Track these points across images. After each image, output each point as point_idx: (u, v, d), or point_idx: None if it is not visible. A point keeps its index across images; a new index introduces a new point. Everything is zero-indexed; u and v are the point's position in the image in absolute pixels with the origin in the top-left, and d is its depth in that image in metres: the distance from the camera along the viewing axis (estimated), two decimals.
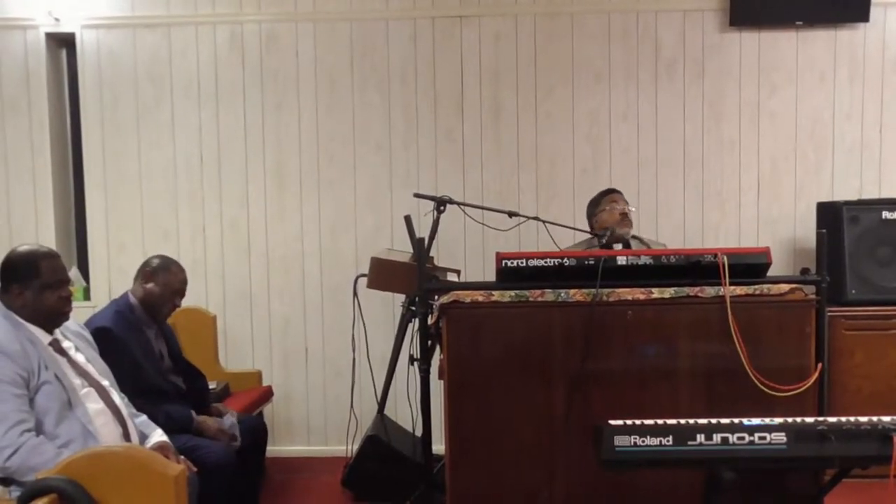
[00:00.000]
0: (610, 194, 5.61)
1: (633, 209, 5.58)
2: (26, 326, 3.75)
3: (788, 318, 3.83)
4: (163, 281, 4.83)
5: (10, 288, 3.76)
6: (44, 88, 6.52)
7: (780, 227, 6.45)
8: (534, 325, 3.84)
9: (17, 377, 3.59)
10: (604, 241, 5.23)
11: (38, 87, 6.51)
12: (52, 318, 3.85)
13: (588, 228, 5.58)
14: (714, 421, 3.35)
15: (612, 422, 3.32)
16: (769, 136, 6.43)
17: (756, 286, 3.84)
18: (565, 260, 3.86)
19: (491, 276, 4.08)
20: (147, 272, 4.83)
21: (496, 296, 3.85)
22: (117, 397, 3.96)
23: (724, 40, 6.40)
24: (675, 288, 3.82)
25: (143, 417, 4.13)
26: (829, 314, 5.03)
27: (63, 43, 6.73)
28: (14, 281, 3.75)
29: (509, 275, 3.87)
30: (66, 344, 3.90)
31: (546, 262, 3.85)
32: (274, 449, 6.25)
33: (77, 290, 6.52)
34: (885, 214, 5.78)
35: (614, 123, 6.45)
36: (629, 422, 3.32)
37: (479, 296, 3.86)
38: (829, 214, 5.90)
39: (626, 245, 5.36)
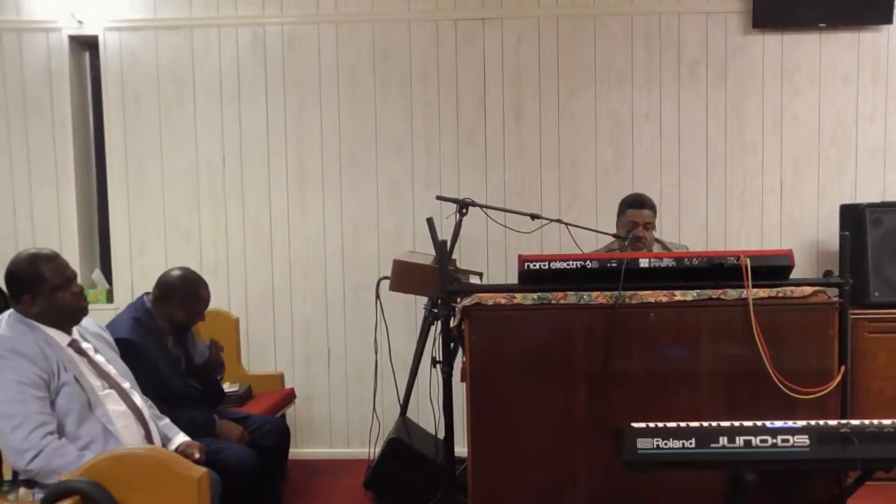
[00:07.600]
0: (632, 210, 5.43)
1: (653, 224, 5.47)
2: (42, 329, 3.77)
3: (811, 321, 3.81)
4: (188, 307, 4.79)
5: (21, 298, 3.77)
6: (67, 90, 6.55)
7: (803, 230, 6.42)
8: (556, 328, 3.83)
9: (38, 379, 3.61)
10: (627, 243, 5.21)
11: (60, 89, 6.55)
12: (71, 315, 3.88)
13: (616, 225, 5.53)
14: (737, 423, 3.35)
15: (634, 424, 3.32)
16: (792, 138, 6.40)
17: (779, 288, 3.82)
18: (588, 262, 3.85)
19: (513, 279, 4.06)
20: (170, 294, 4.75)
21: (518, 298, 3.84)
22: (139, 399, 3.98)
23: (746, 42, 6.37)
24: (698, 290, 3.80)
25: (166, 420, 4.16)
26: (852, 316, 5.00)
27: (86, 45, 6.76)
28: (24, 291, 3.76)
29: (532, 277, 3.87)
30: (85, 345, 3.92)
31: (568, 265, 3.84)
32: (296, 451, 6.28)
33: (100, 293, 6.55)
34: None
35: (637, 125, 6.43)
36: (652, 424, 3.32)
37: (502, 298, 3.85)
38: (852, 216, 5.88)
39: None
